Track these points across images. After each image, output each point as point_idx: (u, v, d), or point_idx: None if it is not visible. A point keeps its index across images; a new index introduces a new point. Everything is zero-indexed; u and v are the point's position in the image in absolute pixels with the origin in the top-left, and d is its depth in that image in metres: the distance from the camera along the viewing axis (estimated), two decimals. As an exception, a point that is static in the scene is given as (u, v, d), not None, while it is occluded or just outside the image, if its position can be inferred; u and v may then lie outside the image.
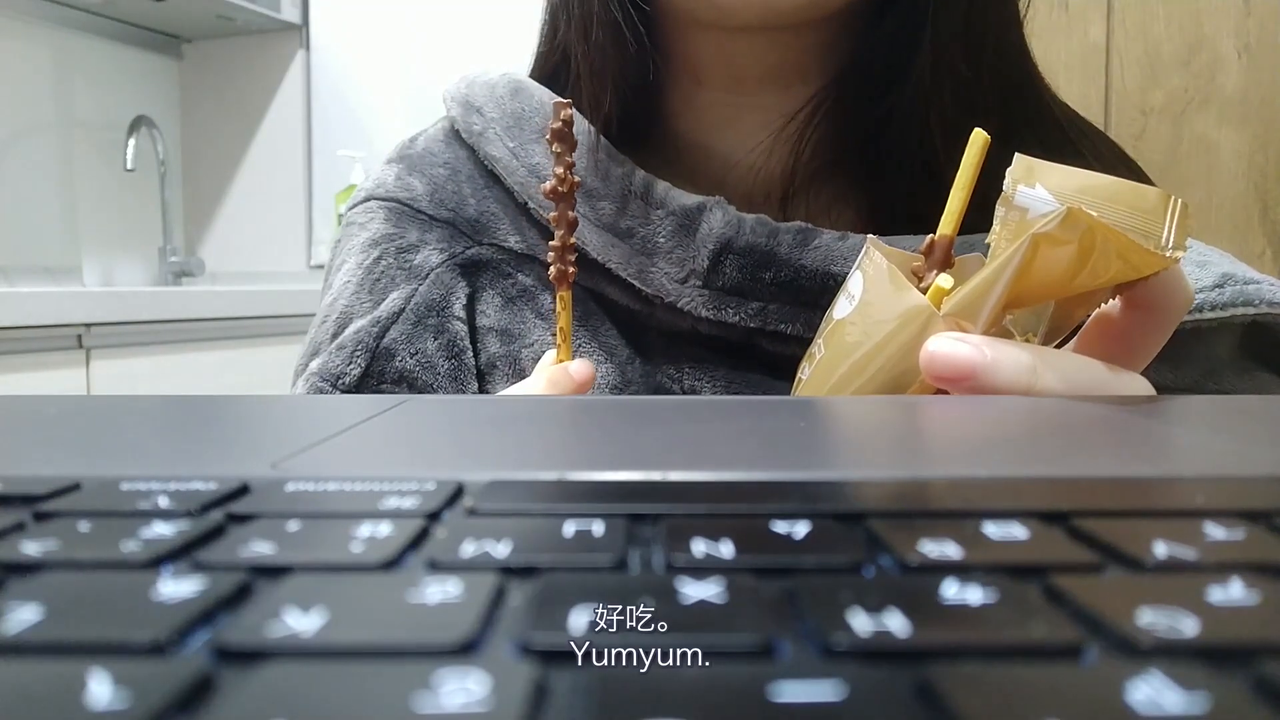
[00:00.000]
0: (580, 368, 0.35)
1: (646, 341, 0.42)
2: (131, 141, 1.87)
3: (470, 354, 0.42)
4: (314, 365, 0.41)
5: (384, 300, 0.42)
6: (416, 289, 0.42)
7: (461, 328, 0.42)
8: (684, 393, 0.40)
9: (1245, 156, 1.39)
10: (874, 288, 0.28)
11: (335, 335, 0.42)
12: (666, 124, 0.44)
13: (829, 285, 0.37)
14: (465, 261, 0.43)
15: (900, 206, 0.41)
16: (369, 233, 0.44)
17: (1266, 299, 0.36)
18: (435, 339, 0.41)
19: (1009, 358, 0.24)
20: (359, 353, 0.40)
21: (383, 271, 0.43)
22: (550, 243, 0.36)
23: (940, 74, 0.38)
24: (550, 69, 0.46)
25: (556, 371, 0.34)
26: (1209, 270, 0.37)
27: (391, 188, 0.45)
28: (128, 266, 1.99)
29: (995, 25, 0.39)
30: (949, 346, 0.25)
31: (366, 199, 0.46)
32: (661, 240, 0.40)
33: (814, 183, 0.41)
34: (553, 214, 0.36)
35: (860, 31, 0.39)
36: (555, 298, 0.37)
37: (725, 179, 0.43)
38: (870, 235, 0.30)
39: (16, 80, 1.76)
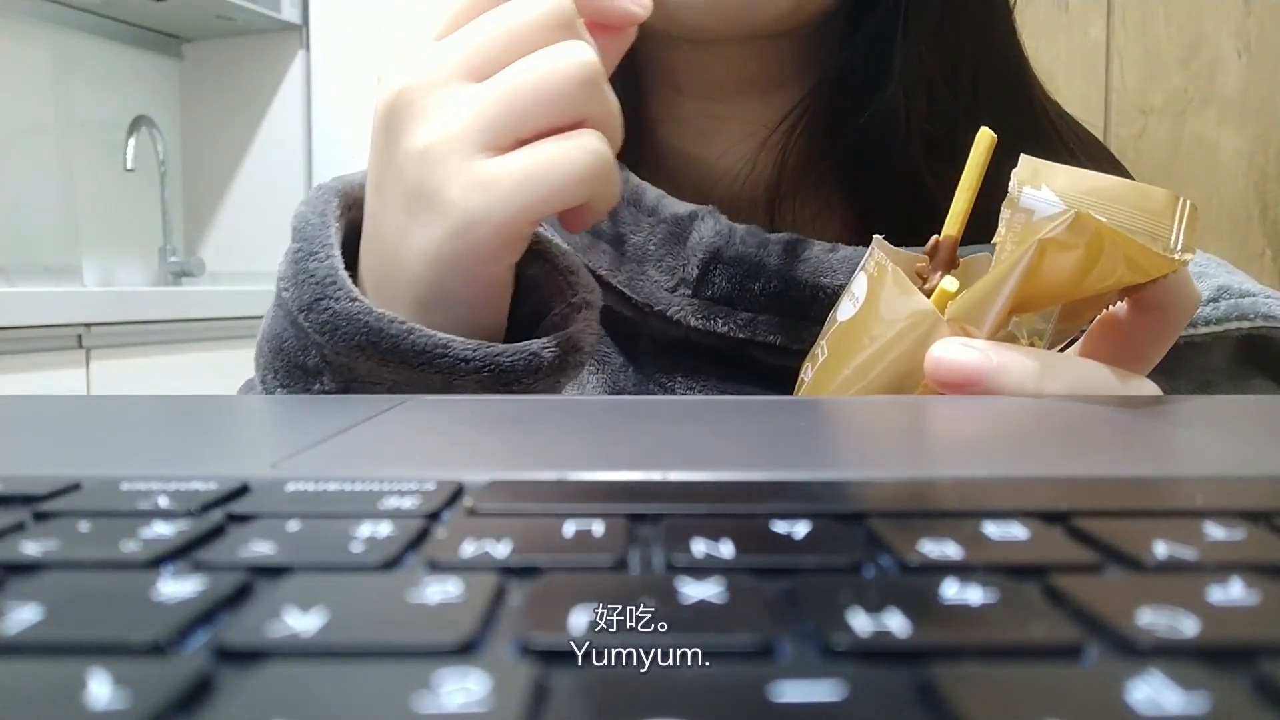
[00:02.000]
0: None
1: (639, 350, 0.41)
2: (131, 141, 1.87)
3: None
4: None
5: None
6: None
7: None
8: None
9: (1245, 156, 1.39)
10: (878, 290, 0.28)
11: None
12: (650, 132, 0.44)
13: (818, 297, 0.37)
14: None
15: (888, 213, 0.40)
16: None
17: (1262, 313, 0.36)
18: None
19: (1015, 363, 0.24)
20: None
21: None
22: None
23: (913, 87, 0.37)
24: None
25: None
26: (1205, 282, 0.37)
27: None
28: (128, 266, 1.99)
29: (975, 34, 0.39)
30: (955, 352, 0.25)
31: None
32: (652, 248, 0.39)
33: (800, 191, 0.41)
34: None
35: (837, 41, 0.39)
36: None
37: (711, 188, 0.42)
38: (876, 236, 0.30)
39: (16, 80, 1.76)
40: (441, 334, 0.27)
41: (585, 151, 0.26)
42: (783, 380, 0.37)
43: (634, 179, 0.40)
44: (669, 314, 0.38)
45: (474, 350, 0.27)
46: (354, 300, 0.26)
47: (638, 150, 0.43)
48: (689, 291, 0.38)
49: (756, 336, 0.38)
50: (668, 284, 0.38)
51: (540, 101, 0.26)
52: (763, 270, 0.37)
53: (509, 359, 0.27)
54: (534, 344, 0.28)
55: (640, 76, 0.41)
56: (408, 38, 0.28)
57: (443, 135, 0.26)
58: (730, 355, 0.40)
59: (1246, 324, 0.36)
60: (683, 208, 0.39)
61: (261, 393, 0.30)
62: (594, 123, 0.27)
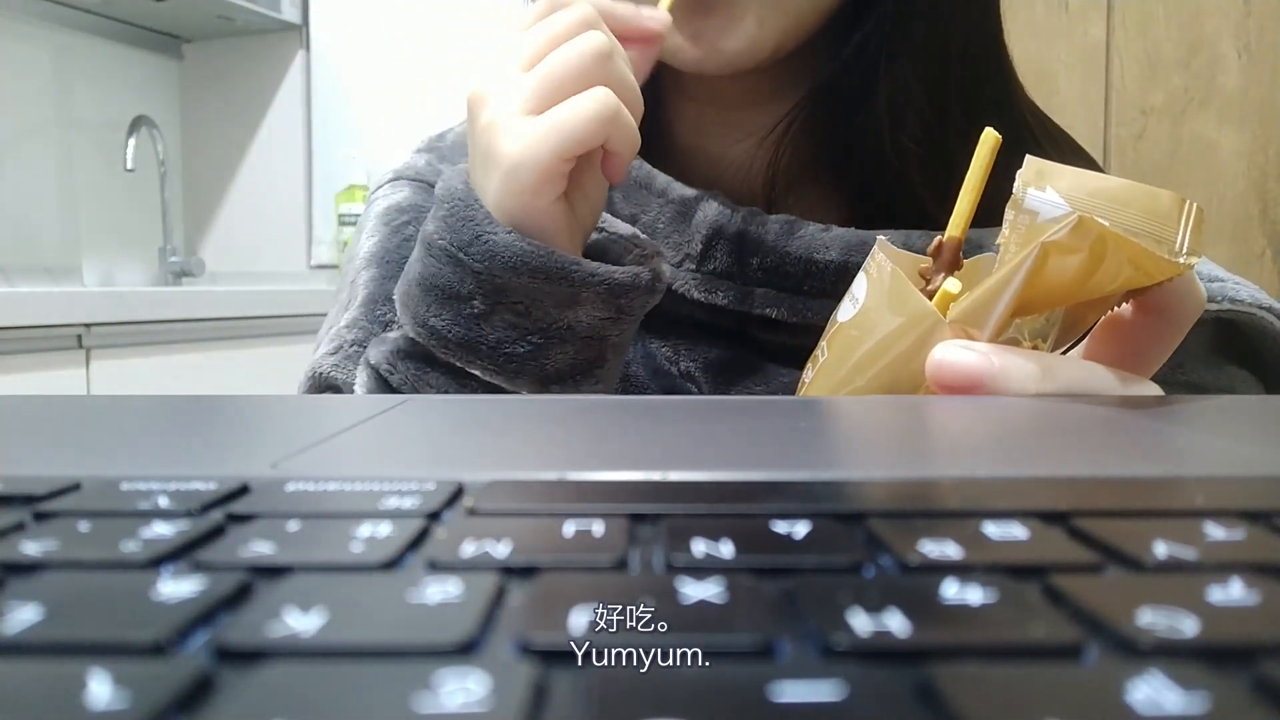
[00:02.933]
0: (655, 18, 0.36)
1: (646, 324, 0.44)
2: (131, 141, 1.86)
3: None
4: (349, 317, 0.43)
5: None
6: None
7: None
8: (679, 372, 0.43)
9: (1245, 156, 1.39)
10: (877, 292, 0.28)
11: (368, 292, 0.44)
12: (665, 131, 0.46)
13: (811, 271, 0.40)
14: None
15: (878, 206, 0.42)
16: (397, 198, 0.47)
17: (1229, 296, 0.38)
18: None
19: (1016, 366, 0.24)
20: None
21: (410, 235, 0.45)
22: None
23: (897, 96, 0.39)
24: None
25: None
26: None
27: (421, 169, 0.48)
28: (128, 266, 1.99)
29: (962, 51, 0.40)
30: (956, 355, 0.25)
31: (395, 178, 0.49)
32: (661, 226, 0.42)
33: (797, 187, 0.44)
34: None
35: (830, 54, 0.41)
36: None
37: (718, 178, 0.45)
38: (880, 238, 0.30)
39: (16, 80, 1.76)
40: (573, 255, 0.34)
41: (595, 100, 0.32)
42: (780, 355, 0.41)
43: (646, 166, 0.44)
44: (674, 288, 0.41)
45: (597, 267, 0.34)
46: (509, 233, 0.33)
47: (654, 145, 0.46)
48: (693, 266, 0.41)
49: (754, 309, 0.40)
50: (674, 259, 0.42)
51: (565, 74, 0.33)
52: (760, 246, 0.40)
53: (619, 275, 0.34)
54: (633, 268, 0.35)
55: (658, 84, 0.44)
56: (495, 52, 0.36)
57: (500, 108, 0.34)
58: (731, 331, 0.42)
59: (1214, 306, 0.38)
60: (689, 191, 0.42)
61: (407, 332, 0.36)
62: (609, 87, 0.33)
